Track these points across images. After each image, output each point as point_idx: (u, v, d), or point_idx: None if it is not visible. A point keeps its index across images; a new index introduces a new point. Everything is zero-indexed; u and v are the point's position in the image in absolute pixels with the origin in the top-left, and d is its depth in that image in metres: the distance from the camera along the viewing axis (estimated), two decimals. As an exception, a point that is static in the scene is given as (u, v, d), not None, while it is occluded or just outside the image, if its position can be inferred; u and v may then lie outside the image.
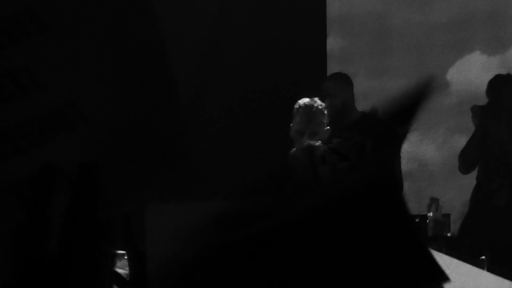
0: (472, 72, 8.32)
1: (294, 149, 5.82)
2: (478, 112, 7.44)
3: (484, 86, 7.79)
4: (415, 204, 7.45)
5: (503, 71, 7.86)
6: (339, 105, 7.11)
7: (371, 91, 8.37)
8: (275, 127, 7.67)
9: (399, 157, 7.14)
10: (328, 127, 6.11)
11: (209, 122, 9.20)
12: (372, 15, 9.10)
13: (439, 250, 6.50)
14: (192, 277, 3.70)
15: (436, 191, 7.83)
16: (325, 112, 6.17)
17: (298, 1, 9.00)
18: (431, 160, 8.48)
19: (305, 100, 6.02)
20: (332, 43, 9.14)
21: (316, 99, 6.10)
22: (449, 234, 7.40)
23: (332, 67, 8.74)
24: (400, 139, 7.15)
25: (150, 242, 3.96)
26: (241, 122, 9.07)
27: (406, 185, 7.23)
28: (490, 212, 7.44)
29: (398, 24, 9.04)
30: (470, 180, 7.60)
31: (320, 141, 5.70)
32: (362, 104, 7.41)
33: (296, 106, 6.03)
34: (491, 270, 6.45)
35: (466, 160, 7.59)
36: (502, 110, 7.44)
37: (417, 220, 7.01)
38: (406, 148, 7.43)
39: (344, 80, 7.34)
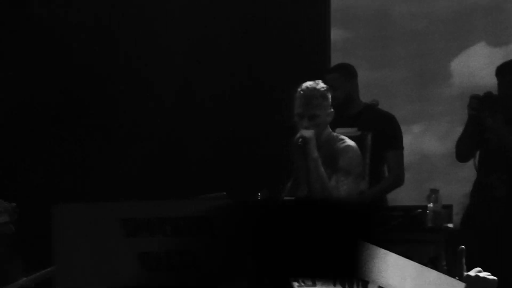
0: (475, 64, 8.20)
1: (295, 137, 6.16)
2: (473, 103, 7.30)
3: (488, 78, 7.66)
4: (416, 196, 7.64)
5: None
6: (342, 97, 7.25)
7: (373, 82, 8.27)
8: (280, 119, 7.70)
9: (402, 149, 7.37)
10: (331, 110, 6.16)
11: (209, 112, 9.21)
12: (375, 7, 8.99)
13: (438, 241, 6.90)
14: (100, 277, 3.75)
15: (438, 183, 7.57)
16: (328, 94, 6.22)
17: None
18: (433, 152, 8.35)
19: (306, 83, 6.11)
20: (336, 34, 9.04)
21: (319, 81, 6.18)
22: (451, 225, 7.21)
23: (336, 59, 8.72)
24: (400, 132, 7.18)
25: (56, 242, 3.89)
26: (243, 114, 9.06)
27: (407, 176, 7.45)
28: (490, 203, 7.37)
29: (401, 15, 8.93)
30: (472, 172, 7.56)
31: (314, 130, 6.11)
32: (365, 95, 7.54)
33: (298, 89, 6.11)
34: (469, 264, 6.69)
35: (461, 150, 7.51)
36: (499, 102, 7.31)
37: (419, 210, 7.04)
38: (409, 140, 7.92)
39: (348, 72, 7.44)
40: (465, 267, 4.90)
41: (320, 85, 6.19)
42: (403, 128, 7.67)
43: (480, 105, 7.16)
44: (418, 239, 7.10)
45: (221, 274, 3.93)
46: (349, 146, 6.36)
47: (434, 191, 7.03)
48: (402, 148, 7.51)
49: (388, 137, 7.48)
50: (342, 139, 6.42)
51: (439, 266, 6.89)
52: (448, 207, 7.08)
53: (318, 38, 8.89)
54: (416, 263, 4.91)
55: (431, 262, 6.90)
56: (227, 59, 9.16)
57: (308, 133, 6.14)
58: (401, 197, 7.85)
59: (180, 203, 3.99)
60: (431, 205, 6.98)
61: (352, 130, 7.22)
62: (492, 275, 6.07)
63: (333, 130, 6.95)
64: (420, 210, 7.04)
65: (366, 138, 7.18)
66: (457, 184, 7.78)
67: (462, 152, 7.42)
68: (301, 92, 6.14)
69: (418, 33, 8.77)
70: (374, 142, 7.17)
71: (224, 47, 9.22)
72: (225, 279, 3.95)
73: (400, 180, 7.54)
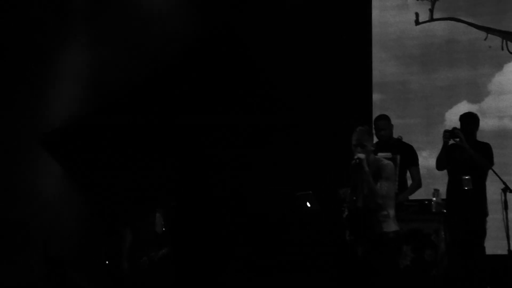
0: (460, 113, 9.22)
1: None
2: (445, 135, 8.65)
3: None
4: (425, 193, 8.97)
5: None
6: (387, 134, 8.93)
7: (399, 126, 9.57)
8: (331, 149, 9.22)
9: (418, 165, 8.83)
10: (374, 142, 7.29)
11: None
12: (400, 79, 10.97)
13: (439, 220, 8.27)
14: None
15: (438, 185, 8.95)
16: (372, 133, 7.41)
17: (357, 73, 10.67)
18: (434, 167, 9.21)
19: (359, 126, 7.27)
20: (376, 97, 11.05)
21: (366, 125, 7.31)
22: (445, 211, 8.64)
23: (375, 111, 10.60)
24: (417, 155, 8.96)
25: None
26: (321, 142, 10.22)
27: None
28: (462, 193, 8.71)
29: (415, 84, 10.91)
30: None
31: (365, 154, 7.10)
32: (395, 133, 9.13)
33: (355, 130, 7.26)
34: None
35: (440, 163, 8.84)
36: (461, 133, 8.61)
37: (426, 202, 8.55)
38: (421, 160, 9.33)
39: (389, 120, 9.00)
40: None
41: (367, 127, 7.29)
42: (418, 153, 9.18)
43: (449, 136, 8.67)
44: (427, 219, 8.47)
45: None
46: (388, 163, 7.33)
47: (436, 190, 8.71)
48: (418, 165, 8.98)
49: (410, 158, 8.88)
50: (382, 160, 7.34)
51: (440, 235, 8.31)
52: (444, 200, 8.68)
53: (363, 99, 10.84)
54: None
55: (434, 232, 8.34)
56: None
57: (361, 155, 7.17)
58: (417, 194, 9.10)
59: None
60: (434, 198, 8.62)
61: (388, 154, 8.53)
62: (464, 239, 8.31)
63: (376, 154, 7.86)
64: (427, 201, 8.68)
65: (396, 159, 8.64)
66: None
67: (440, 164, 8.85)
68: (356, 131, 7.22)
69: (426, 95, 10.79)
70: (401, 162, 8.69)
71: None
72: None
73: (420, 185, 8.92)
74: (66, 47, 10.61)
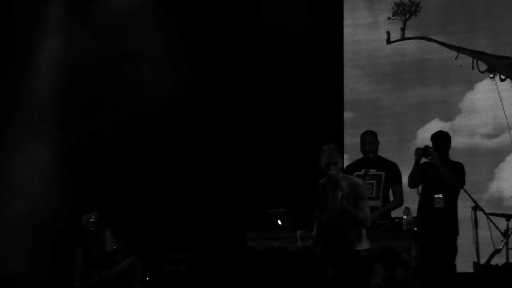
0: (431, 131, 9.23)
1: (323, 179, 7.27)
2: (417, 153, 8.59)
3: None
4: (397, 211, 8.93)
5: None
6: (374, 149, 8.91)
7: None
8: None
9: (401, 183, 8.69)
10: (342, 159, 7.36)
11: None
12: (371, 97, 11.18)
13: (410, 238, 8.18)
14: None
15: (409, 204, 8.91)
16: (341, 150, 7.47)
17: (328, 91, 10.85)
18: (406, 185, 9.08)
19: (329, 145, 7.35)
20: (347, 115, 11.28)
21: (334, 144, 7.34)
22: (416, 229, 8.56)
23: (347, 129, 11.02)
24: (400, 173, 8.76)
25: None
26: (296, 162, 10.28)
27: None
28: (433, 211, 8.65)
29: (386, 102, 11.14)
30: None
31: (337, 171, 7.17)
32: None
33: (324, 148, 7.32)
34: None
35: (411, 181, 8.77)
36: (434, 152, 8.54)
37: (397, 220, 8.60)
38: None
39: (376, 135, 9.02)
40: None
41: (336, 145, 7.37)
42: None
43: (422, 153, 8.56)
44: (399, 237, 8.35)
45: None
46: (359, 181, 7.45)
47: (407, 208, 8.68)
48: (401, 183, 8.83)
49: (394, 176, 8.82)
50: (352, 177, 7.47)
51: (411, 252, 8.17)
52: (415, 218, 8.64)
53: (336, 118, 10.99)
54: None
55: (406, 250, 8.20)
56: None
57: (335, 171, 7.31)
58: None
59: None
60: (405, 216, 8.60)
61: (373, 170, 8.77)
62: (435, 257, 8.19)
63: (361, 170, 8.65)
64: (398, 219, 8.70)
65: (381, 176, 8.75)
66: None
67: (412, 182, 8.76)
68: (327, 149, 7.31)
69: (397, 113, 10.98)
70: (385, 179, 8.71)
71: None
72: None
73: (401, 203, 8.79)
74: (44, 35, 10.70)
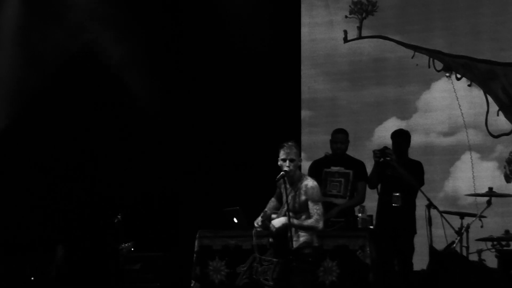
0: (390, 130, 9.55)
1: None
2: (376, 154, 8.76)
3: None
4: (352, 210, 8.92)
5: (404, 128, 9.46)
6: (345, 148, 9.00)
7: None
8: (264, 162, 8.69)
9: (366, 181, 8.85)
10: (300, 157, 7.36)
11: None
12: (329, 96, 11.22)
13: (364, 236, 8.18)
14: None
15: (366, 202, 9.02)
16: (299, 148, 7.36)
17: (284, 90, 10.95)
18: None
19: (288, 142, 7.37)
20: (305, 113, 11.35)
21: (291, 141, 7.34)
22: (371, 227, 8.68)
23: (304, 127, 11.05)
24: (366, 172, 8.94)
25: None
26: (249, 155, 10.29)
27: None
28: (392, 210, 8.77)
29: (344, 101, 11.20)
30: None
31: (294, 168, 7.17)
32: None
33: (283, 144, 7.35)
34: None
35: (371, 182, 8.99)
36: (392, 152, 8.67)
37: (351, 218, 8.63)
38: None
39: (347, 134, 9.08)
40: None
41: (295, 143, 7.37)
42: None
43: (380, 155, 8.74)
44: (354, 235, 8.36)
45: None
46: (312, 187, 7.32)
47: (362, 206, 8.80)
48: (366, 180, 8.94)
49: (360, 173, 8.94)
50: (308, 178, 7.35)
51: (365, 251, 8.17)
52: (370, 216, 8.78)
53: (293, 116, 11.07)
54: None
55: (360, 248, 8.20)
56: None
57: (286, 169, 7.30)
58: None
59: None
60: (360, 214, 8.70)
61: (341, 168, 8.87)
62: (393, 254, 8.42)
63: (329, 167, 8.73)
64: (352, 218, 8.78)
65: (349, 174, 8.88)
66: (375, 202, 9.17)
67: (372, 183, 8.97)
68: (286, 145, 7.31)
69: (355, 111, 11.02)
70: (353, 176, 8.86)
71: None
72: None
73: (362, 200, 8.85)
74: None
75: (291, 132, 10.52)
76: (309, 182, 7.23)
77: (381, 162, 8.66)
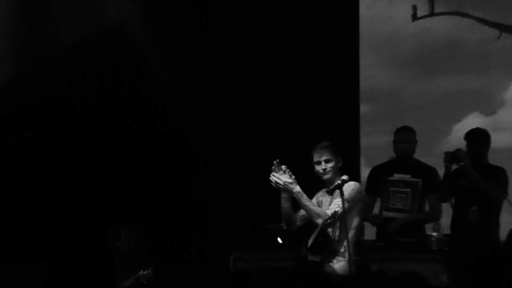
0: (467, 127, 8.97)
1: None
2: (447, 157, 8.45)
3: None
4: (426, 228, 8.54)
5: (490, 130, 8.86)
6: (411, 150, 8.57)
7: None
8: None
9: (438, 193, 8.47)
10: (339, 158, 7.14)
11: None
12: (392, 89, 10.58)
13: (440, 260, 7.80)
14: None
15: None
16: (332, 146, 7.21)
17: (340, 79, 10.36)
18: None
19: (318, 143, 7.25)
20: (364, 108, 10.71)
21: (326, 142, 7.21)
22: (447, 249, 8.12)
23: (363, 126, 10.43)
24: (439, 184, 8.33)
25: None
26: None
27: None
28: (468, 228, 8.40)
29: (411, 94, 10.54)
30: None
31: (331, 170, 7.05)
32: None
33: (313, 147, 7.24)
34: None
35: (442, 192, 8.61)
36: (467, 156, 8.39)
37: (422, 238, 8.18)
38: None
39: (415, 132, 8.64)
40: None
41: (330, 142, 7.23)
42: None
43: (451, 158, 8.36)
44: (425, 259, 7.94)
45: None
46: (354, 182, 7.17)
47: (437, 224, 8.25)
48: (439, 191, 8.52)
49: (432, 183, 8.52)
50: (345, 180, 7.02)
51: (440, 278, 7.87)
52: (447, 236, 8.20)
53: (349, 111, 10.47)
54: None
55: (434, 275, 7.87)
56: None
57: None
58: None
59: None
60: (434, 233, 8.14)
61: (408, 176, 8.45)
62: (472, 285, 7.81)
63: (392, 175, 8.35)
64: (425, 237, 8.21)
65: (418, 183, 8.43)
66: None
67: (444, 194, 8.58)
68: (317, 146, 7.23)
69: (425, 106, 10.29)
70: (422, 187, 8.40)
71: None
72: None
73: (437, 218, 8.46)
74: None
75: (348, 131, 10.19)
76: (349, 182, 7.00)
77: (454, 168, 8.35)
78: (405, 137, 8.59)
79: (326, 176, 7.03)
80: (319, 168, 7.11)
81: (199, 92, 10.62)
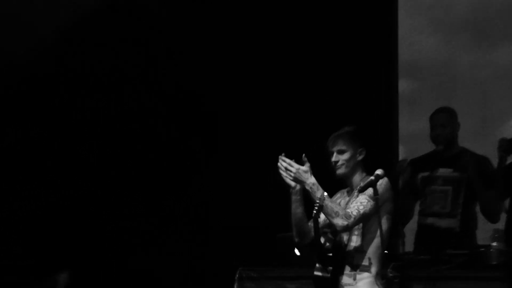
0: None
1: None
2: (503, 145, 7.71)
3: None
4: (479, 235, 7.89)
5: None
6: (449, 134, 7.77)
7: None
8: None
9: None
10: (361, 148, 6.42)
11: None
12: (441, 58, 9.68)
13: (502, 277, 7.01)
14: None
15: (501, 224, 7.91)
16: (349, 134, 6.53)
17: (373, 48, 9.58)
18: None
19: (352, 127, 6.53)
20: (403, 85, 9.77)
21: (347, 128, 6.53)
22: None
23: (403, 108, 9.52)
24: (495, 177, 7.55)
25: None
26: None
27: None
28: None
29: (464, 67, 9.66)
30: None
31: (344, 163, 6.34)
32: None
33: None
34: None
35: (496, 188, 7.83)
36: None
37: (482, 249, 7.35)
38: None
39: (454, 113, 7.89)
40: None
41: (349, 130, 6.54)
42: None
43: (507, 148, 7.58)
44: (484, 276, 7.24)
45: None
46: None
47: (497, 231, 7.37)
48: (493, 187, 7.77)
49: (486, 178, 7.81)
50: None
51: None
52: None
53: (388, 88, 9.59)
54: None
55: None
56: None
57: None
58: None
59: None
60: (494, 244, 7.24)
61: (448, 170, 7.76)
62: None
63: (434, 170, 7.66)
64: (483, 248, 7.34)
65: (462, 179, 7.74)
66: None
67: (498, 192, 7.76)
68: (331, 136, 6.46)
69: (481, 81, 9.46)
70: (470, 183, 7.71)
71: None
72: None
73: (496, 218, 7.78)
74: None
75: (384, 112, 9.29)
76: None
77: (508, 160, 7.60)
78: (439, 120, 7.83)
79: (339, 171, 6.27)
80: (332, 160, 6.45)
81: (202, 83, 10.10)
